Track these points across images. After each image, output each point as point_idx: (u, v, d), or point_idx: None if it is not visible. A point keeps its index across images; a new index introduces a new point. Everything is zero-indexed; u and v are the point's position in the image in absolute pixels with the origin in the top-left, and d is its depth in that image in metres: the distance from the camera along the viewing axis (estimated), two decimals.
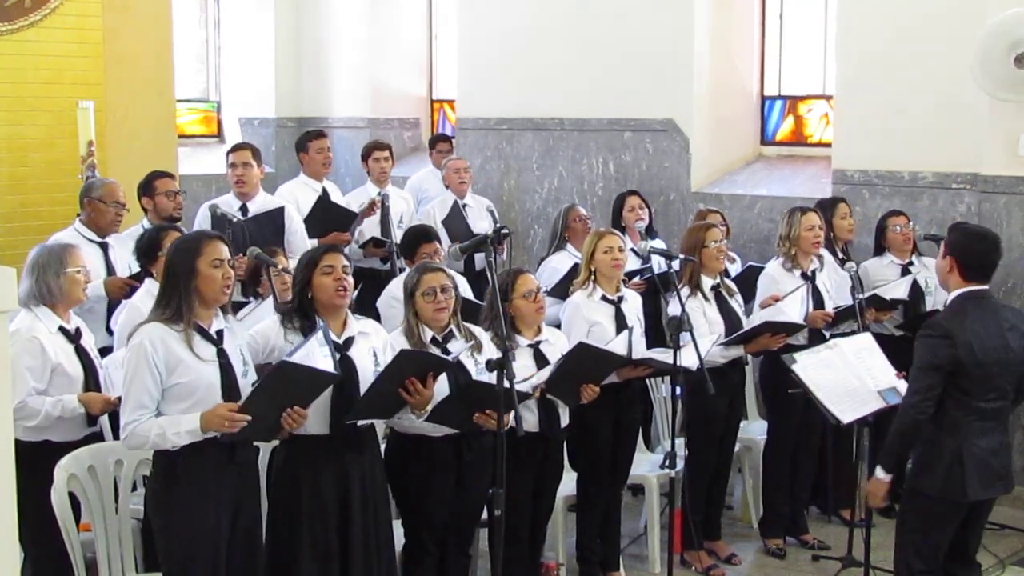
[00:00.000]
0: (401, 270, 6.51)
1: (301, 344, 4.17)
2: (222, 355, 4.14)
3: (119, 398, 4.66)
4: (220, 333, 4.17)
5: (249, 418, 3.98)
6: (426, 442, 4.73)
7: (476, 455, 4.79)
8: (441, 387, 4.57)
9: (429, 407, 4.49)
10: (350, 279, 4.47)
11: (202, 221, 6.76)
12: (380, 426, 4.69)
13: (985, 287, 4.67)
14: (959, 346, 4.49)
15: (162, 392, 4.05)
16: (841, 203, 6.90)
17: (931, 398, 4.54)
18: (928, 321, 4.75)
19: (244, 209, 6.72)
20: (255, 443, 4.42)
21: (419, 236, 6.17)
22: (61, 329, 4.80)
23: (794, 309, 5.90)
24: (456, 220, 7.70)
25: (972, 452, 4.54)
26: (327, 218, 7.20)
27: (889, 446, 4.72)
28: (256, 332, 4.47)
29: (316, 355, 4.16)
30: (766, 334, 5.82)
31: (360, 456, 4.46)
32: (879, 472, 4.70)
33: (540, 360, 5.12)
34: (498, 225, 7.40)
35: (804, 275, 6.15)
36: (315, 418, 4.28)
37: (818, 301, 6.15)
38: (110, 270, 6.06)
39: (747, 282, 6.50)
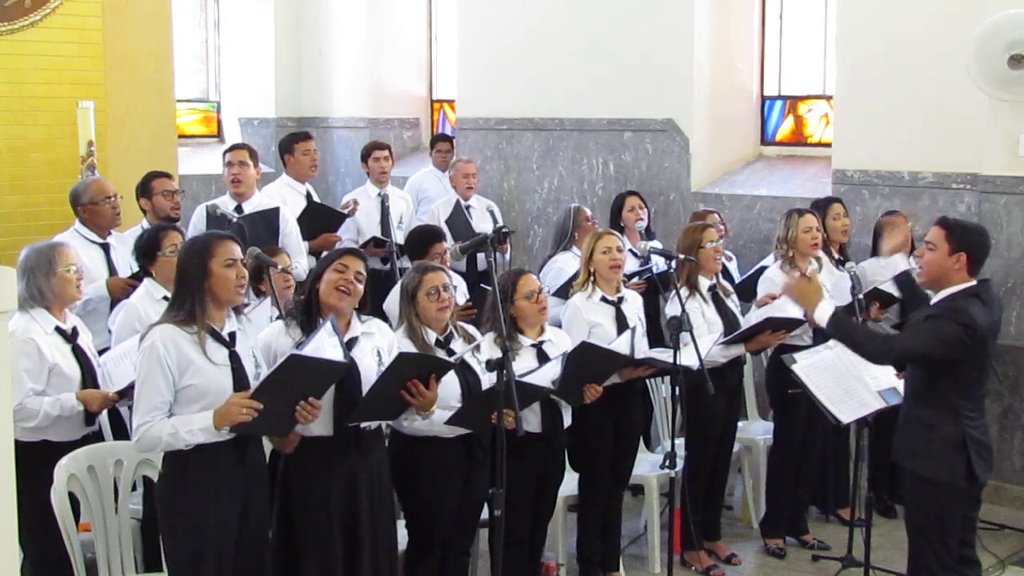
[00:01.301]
0: (402, 270, 6.51)
1: (311, 336, 4.16)
2: (234, 358, 4.12)
3: (117, 394, 4.68)
4: (232, 335, 4.16)
5: (261, 406, 3.96)
6: (439, 444, 4.73)
7: (485, 454, 4.80)
8: (446, 389, 4.57)
9: (434, 408, 4.48)
10: (359, 286, 4.42)
11: (197, 221, 6.76)
12: (382, 427, 4.68)
13: (985, 278, 4.75)
14: (976, 338, 4.51)
15: (175, 394, 4.04)
16: (835, 203, 6.81)
17: (912, 360, 4.65)
18: (955, 305, 4.57)
19: (239, 209, 6.71)
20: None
21: (431, 236, 6.17)
22: (57, 329, 4.78)
23: (792, 306, 5.89)
24: (460, 220, 7.71)
25: (972, 436, 4.60)
26: (316, 219, 7.19)
27: (851, 331, 4.81)
28: (258, 341, 4.44)
29: (326, 346, 4.15)
30: (767, 331, 5.81)
31: (365, 457, 4.45)
32: (821, 309, 4.82)
33: (543, 360, 5.12)
34: (498, 225, 7.40)
35: (803, 276, 6.13)
36: (318, 419, 4.26)
37: None
38: (112, 270, 6.04)
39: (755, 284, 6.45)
